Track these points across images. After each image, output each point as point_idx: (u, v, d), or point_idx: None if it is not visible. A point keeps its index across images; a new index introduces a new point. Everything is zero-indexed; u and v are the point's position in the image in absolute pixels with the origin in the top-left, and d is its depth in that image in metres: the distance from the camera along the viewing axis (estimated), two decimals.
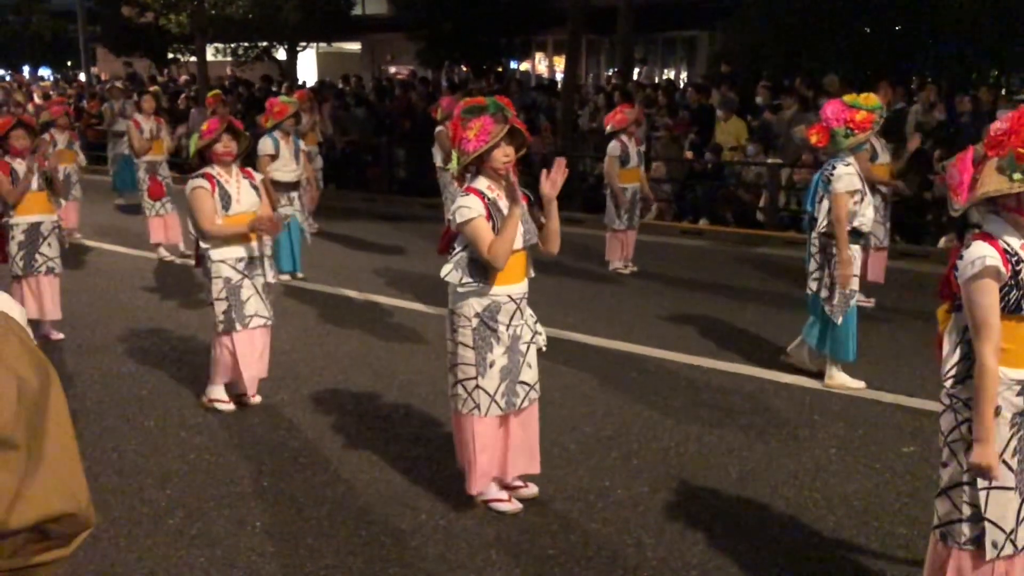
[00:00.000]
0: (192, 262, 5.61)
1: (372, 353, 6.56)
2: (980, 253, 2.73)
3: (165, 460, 4.75)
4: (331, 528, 4.04)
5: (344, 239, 11.17)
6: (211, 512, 4.19)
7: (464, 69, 21.35)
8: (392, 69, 25.46)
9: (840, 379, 5.74)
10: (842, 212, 5.43)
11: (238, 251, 5.20)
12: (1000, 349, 2.72)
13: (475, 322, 3.88)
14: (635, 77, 19.61)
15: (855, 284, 5.60)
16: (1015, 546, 2.86)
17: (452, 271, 3.86)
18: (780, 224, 11.14)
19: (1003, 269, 2.71)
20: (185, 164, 7.01)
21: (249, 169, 5.41)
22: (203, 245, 5.17)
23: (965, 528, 2.88)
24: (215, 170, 5.16)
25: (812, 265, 5.67)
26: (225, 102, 12.35)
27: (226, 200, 5.12)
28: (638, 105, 11.13)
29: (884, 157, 7.80)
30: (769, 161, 11.40)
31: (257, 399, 5.46)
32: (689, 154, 12.46)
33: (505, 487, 4.17)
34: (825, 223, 5.53)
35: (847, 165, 5.45)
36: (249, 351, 5.31)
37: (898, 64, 14.58)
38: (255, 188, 5.27)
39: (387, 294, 8.31)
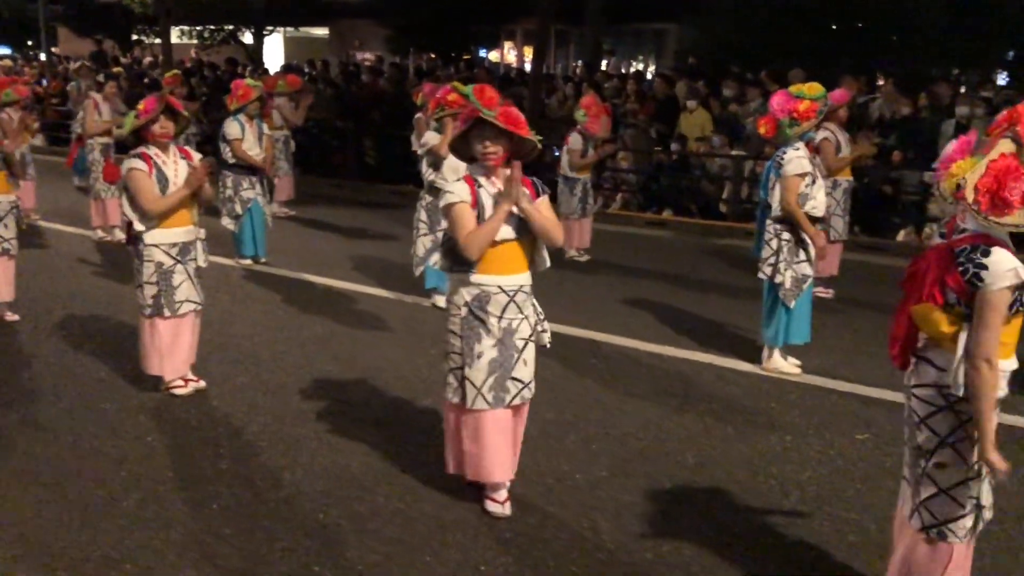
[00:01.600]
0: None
1: (335, 338, 6.53)
2: (1011, 264, 2.72)
3: (122, 443, 4.70)
4: (289, 511, 4.03)
5: (309, 224, 11.10)
6: (168, 494, 4.16)
7: (432, 57, 21.26)
8: (359, 55, 25.26)
9: (776, 363, 5.88)
10: (790, 195, 5.52)
11: (173, 236, 5.13)
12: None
13: (464, 311, 3.84)
14: (603, 68, 19.63)
15: (808, 269, 5.68)
16: (984, 522, 3.01)
17: (438, 256, 3.88)
18: (743, 215, 11.24)
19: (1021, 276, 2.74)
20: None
21: (187, 149, 5.31)
22: (137, 228, 5.08)
23: (968, 521, 2.96)
24: (152, 150, 5.08)
25: (766, 251, 5.74)
26: (184, 83, 12.16)
27: (163, 182, 5.03)
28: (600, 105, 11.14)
29: (847, 150, 7.90)
30: (733, 153, 11.49)
31: (202, 384, 5.42)
32: (663, 151, 12.52)
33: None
34: (779, 208, 5.62)
35: (796, 150, 5.54)
36: (178, 336, 5.26)
37: (862, 59, 14.73)
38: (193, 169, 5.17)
39: (352, 280, 8.27)
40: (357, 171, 14.62)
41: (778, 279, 5.70)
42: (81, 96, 13.08)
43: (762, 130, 5.73)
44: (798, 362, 5.94)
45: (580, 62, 19.23)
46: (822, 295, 7.57)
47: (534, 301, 3.96)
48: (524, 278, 3.88)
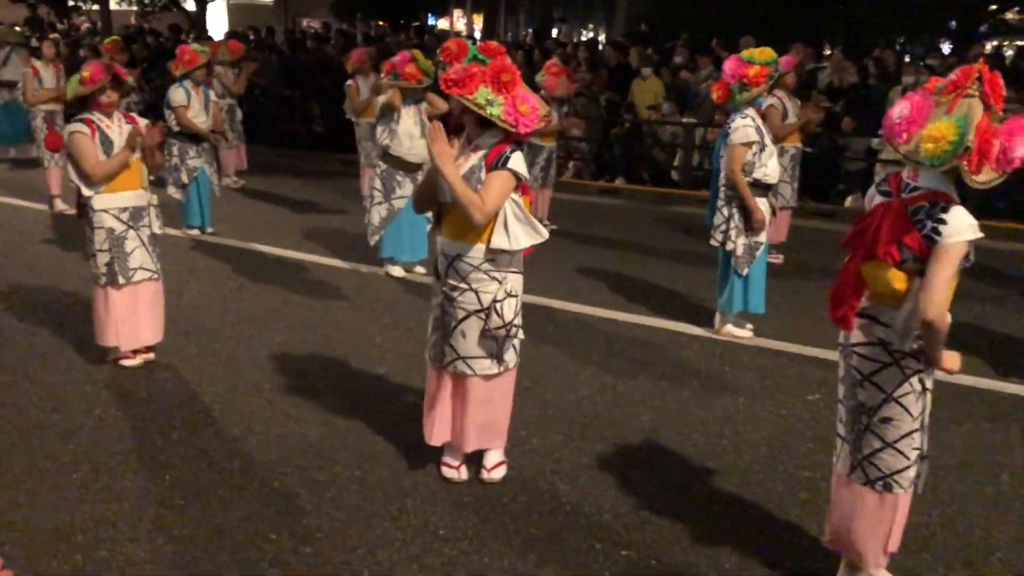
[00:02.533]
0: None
1: (287, 308, 6.44)
2: (969, 222, 2.76)
3: (69, 415, 4.59)
4: (245, 480, 3.98)
5: (257, 194, 10.91)
6: (118, 467, 4.08)
7: (381, 24, 20.95)
8: (306, 21, 24.79)
9: (728, 328, 5.95)
10: (734, 163, 5.56)
11: (122, 200, 5.02)
12: None
13: (431, 267, 3.93)
14: (554, 35, 19.53)
15: (762, 237, 5.73)
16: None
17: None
18: (694, 183, 11.31)
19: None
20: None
21: (133, 115, 5.19)
22: (85, 193, 4.96)
23: (912, 472, 3.03)
24: (95, 116, 4.96)
25: (718, 219, 5.78)
26: (123, 50, 11.79)
27: (107, 145, 4.93)
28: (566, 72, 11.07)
29: (794, 117, 7.97)
30: (684, 120, 11.53)
31: (151, 355, 5.31)
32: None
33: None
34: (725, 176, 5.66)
35: (744, 118, 5.57)
36: (134, 305, 5.15)
37: (811, 28, 14.87)
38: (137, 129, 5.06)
39: (304, 250, 8.16)
40: (305, 140, 14.39)
41: (730, 246, 5.73)
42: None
43: (714, 95, 5.76)
44: (750, 326, 6.01)
45: (530, 30, 19.10)
46: (772, 261, 7.65)
47: (499, 276, 3.72)
48: (464, 247, 3.69)
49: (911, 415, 2.97)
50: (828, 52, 13.79)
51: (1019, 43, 17.48)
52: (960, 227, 2.75)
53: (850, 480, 3.10)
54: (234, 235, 8.58)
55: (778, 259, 7.88)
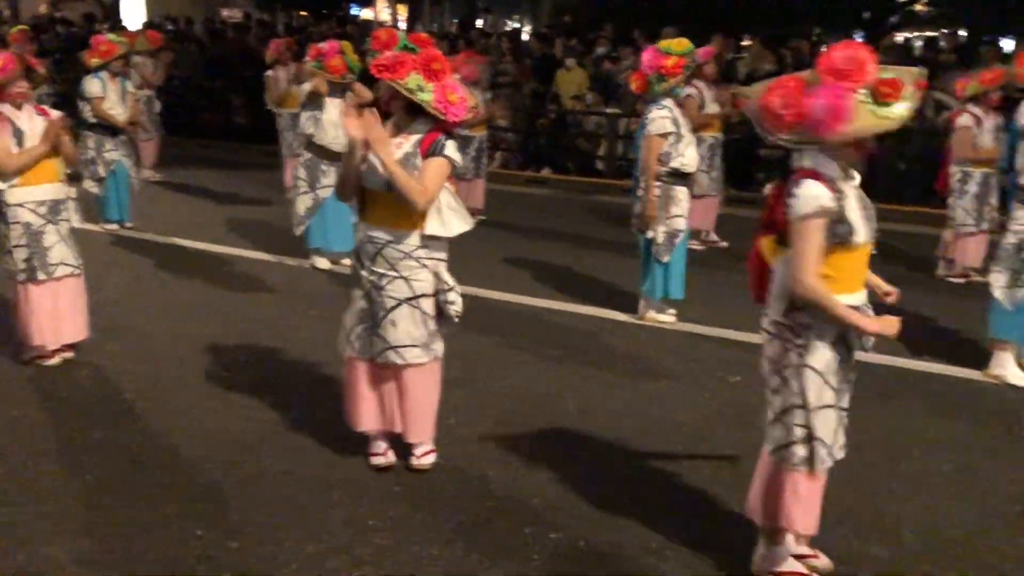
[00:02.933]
0: None
1: (210, 302, 6.34)
2: (814, 193, 2.85)
3: None
4: (169, 478, 3.92)
5: (178, 187, 10.69)
6: (37, 467, 3.97)
7: (303, 14, 20.65)
8: (225, 12, 24.27)
9: (651, 314, 6.07)
10: (650, 154, 5.65)
11: (39, 193, 4.89)
12: (824, 277, 2.90)
13: (353, 257, 3.89)
14: (479, 26, 19.52)
15: (681, 224, 5.84)
16: (834, 457, 3.08)
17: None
18: (619, 172, 11.45)
19: (832, 207, 2.86)
20: None
21: (44, 107, 5.06)
22: None
23: (799, 450, 3.05)
24: (5, 107, 4.81)
25: (638, 207, 5.88)
26: (31, 39, 11.41)
27: (19, 136, 4.79)
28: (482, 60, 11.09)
29: (712, 107, 8.12)
30: (608, 111, 11.66)
31: (70, 353, 5.18)
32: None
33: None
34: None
35: (661, 109, 5.67)
36: (55, 301, 5.01)
37: (730, 18, 15.16)
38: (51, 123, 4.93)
39: (227, 243, 8.03)
40: (227, 131, 14.14)
41: (650, 234, 5.84)
42: None
43: (633, 86, 5.85)
44: (673, 311, 6.13)
45: (455, 20, 19.06)
46: (693, 247, 7.81)
47: (430, 263, 3.74)
48: (397, 234, 3.68)
49: (792, 390, 3.02)
50: (747, 43, 14.07)
51: (928, 33, 18.11)
52: (803, 201, 2.85)
53: (764, 449, 3.21)
54: (154, 229, 8.40)
55: (700, 247, 8.06)
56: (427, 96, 3.57)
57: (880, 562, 3.39)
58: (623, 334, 5.90)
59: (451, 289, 3.80)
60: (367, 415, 3.93)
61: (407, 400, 3.89)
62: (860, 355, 3.14)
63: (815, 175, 2.89)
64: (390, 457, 4.02)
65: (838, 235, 2.88)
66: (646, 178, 5.71)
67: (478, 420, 4.53)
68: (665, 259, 5.82)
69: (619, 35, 13.94)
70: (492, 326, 5.96)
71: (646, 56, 5.71)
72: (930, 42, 13.57)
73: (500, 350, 5.53)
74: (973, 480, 4.05)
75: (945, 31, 16.12)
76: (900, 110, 2.75)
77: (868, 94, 2.75)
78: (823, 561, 3.28)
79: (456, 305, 3.81)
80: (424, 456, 4.02)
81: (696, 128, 7.75)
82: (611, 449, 4.28)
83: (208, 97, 14.48)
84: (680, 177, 5.77)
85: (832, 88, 2.74)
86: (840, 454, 3.11)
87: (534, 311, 6.34)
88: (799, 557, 3.24)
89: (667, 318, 6.09)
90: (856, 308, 2.95)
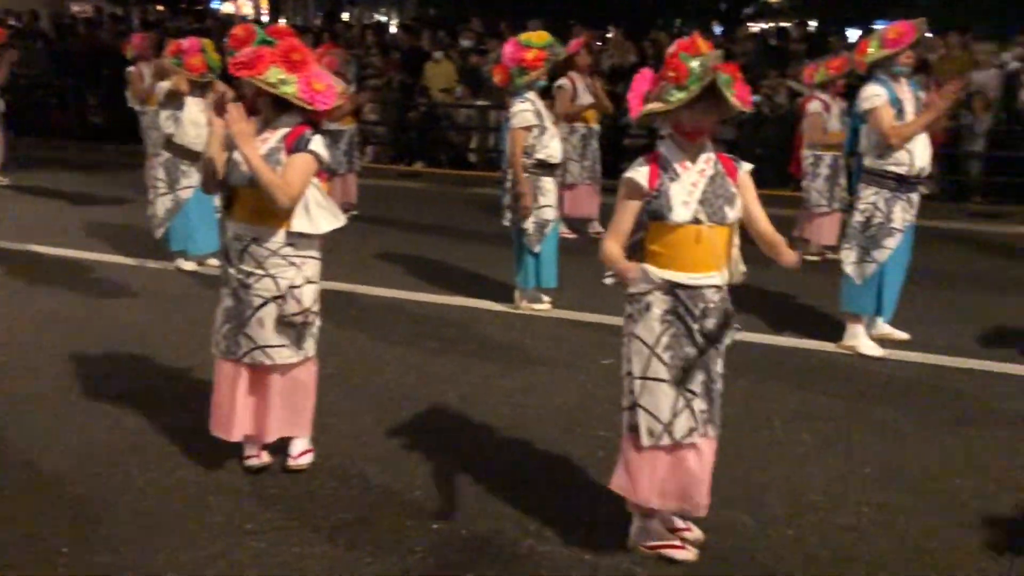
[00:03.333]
0: None
1: (69, 311, 6.05)
2: (633, 167, 3.10)
3: None
4: (32, 494, 3.72)
5: (29, 191, 10.15)
6: None
7: (160, 8, 19.87)
8: (75, 7, 23.10)
9: (526, 304, 6.18)
10: (515, 147, 5.75)
11: None
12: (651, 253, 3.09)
13: (221, 255, 3.81)
14: (344, 18, 19.25)
15: (550, 214, 5.94)
16: (672, 438, 3.12)
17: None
18: (491, 164, 11.52)
19: (646, 185, 3.05)
20: None
21: None
22: None
23: (626, 416, 3.20)
24: None
25: (507, 199, 5.95)
26: None
27: None
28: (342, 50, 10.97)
29: (585, 98, 8.25)
30: (477, 103, 11.71)
31: None
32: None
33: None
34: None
35: (523, 102, 5.75)
36: None
37: (593, 10, 15.46)
38: None
39: (85, 248, 7.68)
40: (81, 131, 13.48)
41: (520, 224, 5.91)
42: None
43: (496, 79, 5.92)
44: (548, 299, 6.23)
45: (320, 13, 18.75)
46: (566, 236, 7.95)
47: (298, 261, 3.65)
48: (262, 232, 3.59)
49: (625, 356, 3.20)
50: (610, 35, 14.39)
51: (782, 24, 18.97)
52: (625, 177, 3.11)
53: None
54: (6, 236, 7.95)
55: (574, 235, 8.23)
56: (290, 88, 3.50)
57: (747, 529, 3.55)
58: (499, 324, 5.96)
59: (299, 287, 3.63)
60: (236, 421, 3.80)
61: (275, 402, 3.79)
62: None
63: (653, 157, 3.08)
64: (265, 459, 3.93)
65: (653, 210, 3.05)
66: (515, 171, 5.79)
67: (356, 416, 4.49)
68: (536, 249, 5.91)
69: (487, 28, 14.02)
70: (368, 321, 5.91)
71: (507, 49, 5.78)
72: (782, 32, 14.18)
73: (376, 345, 5.50)
74: (831, 447, 4.29)
75: (796, 22, 16.91)
76: (680, 95, 2.92)
77: (663, 82, 2.96)
78: (694, 533, 3.41)
79: (290, 307, 3.62)
80: (301, 456, 3.95)
81: (569, 119, 7.91)
82: (491, 438, 4.33)
83: (59, 96, 13.76)
84: (547, 168, 5.86)
85: (641, 78, 3.04)
86: (685, 438, 3.11)
87: (411, 304, 6.33)
88: (672, 530, 3.36)
89: (542, 306, 6.18)
90: (685, 286, 3.08)
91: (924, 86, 6.57)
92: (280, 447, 3.96)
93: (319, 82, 3.55)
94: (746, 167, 3.20)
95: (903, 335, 5.66)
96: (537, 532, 3.49)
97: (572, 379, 5.03)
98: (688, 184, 3.05)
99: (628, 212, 3.10)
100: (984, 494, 3.83)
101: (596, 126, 8.45)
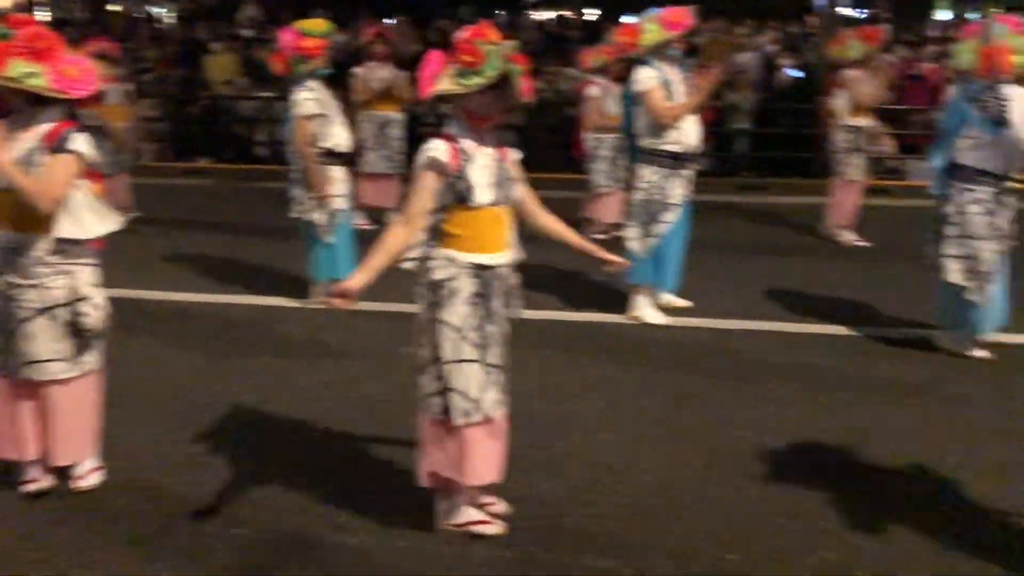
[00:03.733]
0: None
1: None
2: (431, 147, 3.11)
3: None
4: None
5: None
6: None
7: None
8: None
9: (323, 297, 6.09)
10: (301, 136, 5.65)
11: None
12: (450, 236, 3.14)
13: None
14: (111, 8, 18.11)
15: (341, 204, 5.89)
16: (483, 413, 3.23)
17: None
18: (280, 157, 11.21)
19: (450, 164, 3.08)
20: None
21: None
22: None
23: (435, 401, 3.24)
24: None
25: (296, 191, 5.84)
26: None
27: None
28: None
29: (376, 85, 8.18)
30: (261, 95, 11.38)
31: None
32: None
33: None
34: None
35: (305, 91, 5.67)
36: None
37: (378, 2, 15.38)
38: None
39: None
40: None
41: (310, 216, 5.82)
42: None
43: (275, 68, 5.80)
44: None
45: (82, 4, 17.55)
46: (363, 226, 7.89)
47: (68, 269, 3.43)
48: (25, 239, 3.37)
49: (429, 344, 3.24)
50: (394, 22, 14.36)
51: (562, 12, 19.61)
52: (424, 153, 3.12)
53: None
54: None
55: (367, 225, 8.16)
56: (39, 80, 3.24)
57: (551, 496, 3.70)
58: (296, 320, 5.86)
59: (85, 299, 3.46)
60: (29, 436, 3.55)
61: (55, 420, 3.55)
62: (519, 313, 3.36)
63: (447, 137, 3.13)
64: (48, 481, 3.67)
65: (456, 192, 3.10)
66: (305, 160, 5.68)
67: (148, 427, 4.28)
68: (328, 240, 5.84)
69: (269, 17, 13.61)
70: (158, 328, 5.64)
71: (286, 37, 5.66)
72: (561, 20, 14.67)
73: (169, 351, 5.26)
74: (623, 412, 4.54)
75: (574, 12, 17.54)
76: (476, 79, 3.02)
77: (456, 65, 3.03)
78: (500, 507, 3.51)
79: (90, 317, 3.47)
80: (89, 475, 3.72)
81: (368, 105, 7.84)
82: (293, 437, 4.26)
83: None
84: (335, 157, 5.79)
85: (431, 59, 3.08)
86: (494, 411, 3.25)
87: (202, 307, 6.09)
88: (478, 506, 3.45)
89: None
90: (489, 267, 3.18)
91: (692, 69, 7.01)
92: (64, 468, 3.71)
93: (72, 67, 3.31)
94: (516, 154, 3.33)
95: (685, 302, 6.05)
96: (344, 525, 3.48)
97: (373, 369, 5.03)
98: (483, 167, 3.14)
99: (429, 192, 3.10)
100: (762, 444, 4.17)
101: (396, 114, 8.34)
